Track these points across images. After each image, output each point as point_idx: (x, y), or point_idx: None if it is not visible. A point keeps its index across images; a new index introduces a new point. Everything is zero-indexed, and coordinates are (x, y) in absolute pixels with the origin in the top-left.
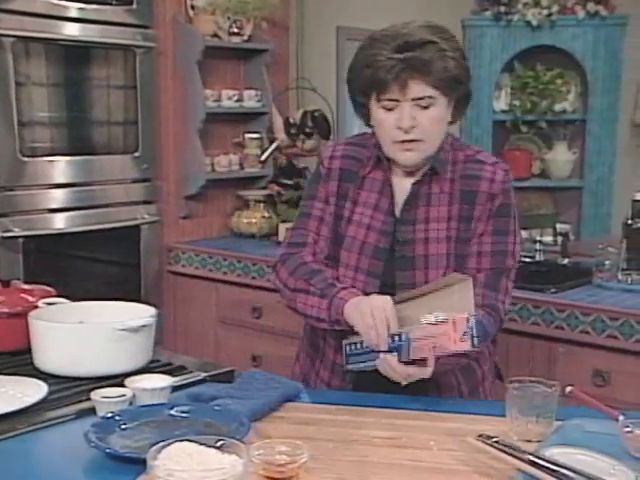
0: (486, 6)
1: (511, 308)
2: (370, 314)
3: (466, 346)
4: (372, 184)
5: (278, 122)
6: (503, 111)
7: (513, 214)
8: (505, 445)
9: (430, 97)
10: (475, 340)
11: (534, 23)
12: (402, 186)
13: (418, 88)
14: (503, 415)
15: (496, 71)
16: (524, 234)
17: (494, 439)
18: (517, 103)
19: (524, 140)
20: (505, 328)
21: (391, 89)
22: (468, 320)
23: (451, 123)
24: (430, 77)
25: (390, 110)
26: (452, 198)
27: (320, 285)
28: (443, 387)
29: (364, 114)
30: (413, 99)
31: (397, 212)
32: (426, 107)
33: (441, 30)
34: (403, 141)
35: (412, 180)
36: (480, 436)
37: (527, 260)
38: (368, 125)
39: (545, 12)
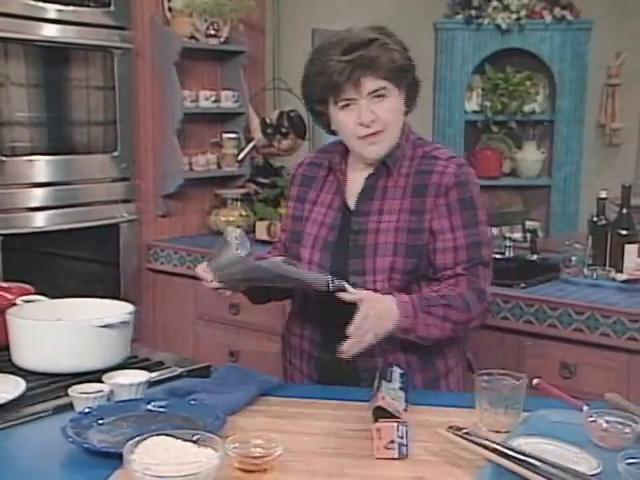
0: (457, 10)
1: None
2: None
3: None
4: (330, 186)
5: (255, 122)
6: (474, 112)
7: (478, 205)
8: (474, 436)
9: (383, 88)
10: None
11: (503, 27)
12: (359, 181)
13: (371, 83)
14: (472, 407)
15: (467, 73)
16: (494, 231)
17: (464, 430)
18: (488, 104)
19: (495, 140)
20: None
21: (346, 90)
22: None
23: (406, 113)
24: (379, 71)
25: (349, 110)
26: (405, 192)
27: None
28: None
29: (324, 122)
30: (368, 94)
31: (352, 205)
32: (381, 99)
33: (381, 28)
34: (366, 136)
35: (366, 175)
36: (450, 427)
37: (497, 257)
38: (330, 132)
39: (514, 16)
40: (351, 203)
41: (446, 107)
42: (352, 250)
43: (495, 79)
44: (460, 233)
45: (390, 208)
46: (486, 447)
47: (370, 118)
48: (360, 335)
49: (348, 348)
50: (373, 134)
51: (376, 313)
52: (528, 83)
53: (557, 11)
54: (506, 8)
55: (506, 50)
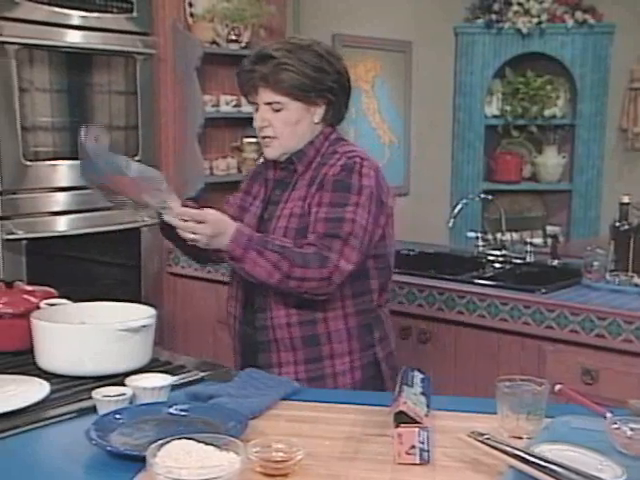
0: (478, 14)
1: (503, 308)
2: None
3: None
4: (263, 179)
5: None
6: (494, 116)
7: (354, 192)
8: (496, 442)
9: (278, 103)
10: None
11: (524, 31)
12: (277, 173)
13: (266, 95)
14: (493, 412)
15: (488, 77)
16: (515, 236)
17: (485, 436)
18: (508, 108)
19: (515, 144)
20: (496, 327)
21: (249, 94)
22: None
23: (331, 124)
24: (270, 87)
25: (257, 111)
26: (306, 182)
27: None
28: (281, 347)
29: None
30: (265, 103)
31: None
32: (278, 110)
33: (296, 46)
34: (262, 137)
35: (279, 167)
36: (472, 433)
37: (518, 261)
38: None
39: (535, 20)
40: (270, 192)
41: (466, 111)
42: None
43: (515, 83)
44: (323, 209)
45: (293, 197)
46: (508, 453)
47: (261, 124)
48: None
49: (168, 219)
50: (267, 137)
51: (211, 232)
52: (549, 87)
53: (579, 15)
54: (527, 12)
55: (527, 54)
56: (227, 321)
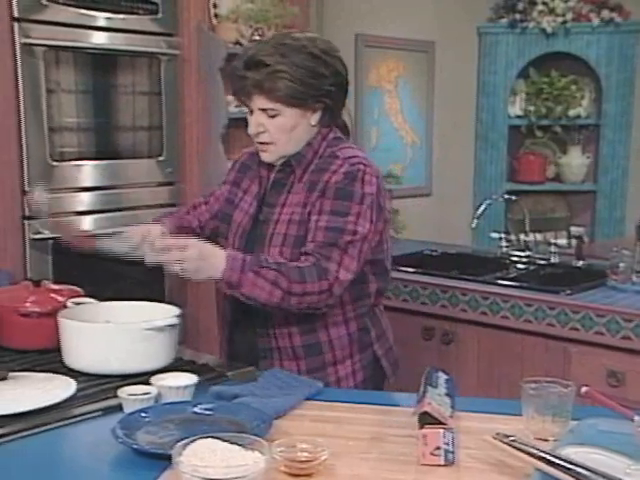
0: (502, 14)
1: (527, 309)
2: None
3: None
4: (257, 176)
5: None
6: (518, 116)
7: (356, 200)
8: (522, 444)
9: (272, 109)
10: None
11: (549, 30)
12: (274, 175)
13: (260, 101)
14: (518, 414)
15: (511, 77)
16: (538, 237)
17: (511, 438)
18: (532, 108)
19: (539, 145)
20: (520, 328)
21: (243, 98)
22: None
23: (328, 127)
24: (265, 94)
25: (251, 114)
26: (304, 187)
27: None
28: (284, 355)
29: None
30: (259, 109)
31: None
32: (273, 116)
33: (289, 48)
34: (259, 142)
35: (276, 169)
36: (497, 435)
37: (542, 262)
38: None
39: (560, 20)
40: (266, 194)
41: (489, 112)
42: (258, 238)
43: (539, 83)
44: (324, 217)
45: (291, 201)
46: (534, 455)
47: (256, 130)
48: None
49: (151, 259)
50: (263, 143)
51: (198, 254)
52: (573, 87)
53: (605, 13)
54: (552, 11)
55: (551, 54)
56: (220, 324)
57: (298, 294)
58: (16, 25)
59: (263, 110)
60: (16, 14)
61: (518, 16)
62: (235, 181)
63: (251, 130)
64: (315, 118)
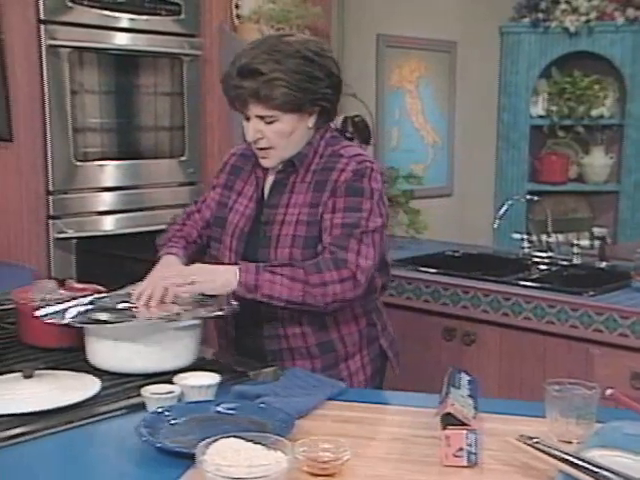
0: (524, 13)
1: (549, 311)
2: (152, 282)
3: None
4: (253, 178)
5: None
6: (540, 116)
7: (367, 196)
8: (546, 446)
9: (270, 116)
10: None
11: (572, 30)
12: (272, 175)
13: (257, 109)
14: (540, 416)
15: (533, 77)
16: (560, 238)
17: (534, 440)
18: (554, 108)
19: (561, 145)
20: (542, 330)
21: (239, 107)
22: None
23: (323, 126)
24: (262, 102)
25: (247, 122)
26: (309, 187)
27: (159, 242)
28: (297, 355)
29: None
30: (256, 116)
31: (266, 198)
32: (270, 122)
33: (283, 55)
34: (257, 148)
35: (277, 170)
36: (521, 436)
37: (564, 263)
38: None
39: (583, 19)
40: (267, 195)
41: (511, 112)
42: (261, 240)
43: (562, 83)
44: (339, 214)
45: (296, 202)
46: (558, 457)
47: (255, 137)
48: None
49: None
50: (262, 148)
51: (209, 269)
52: (596, 87)
53: (630, 12)
54: (575, 10)
55: (574, 53)
56: (217, 322)
57: (317, 284)
58: (42, 27)
59: (260, 117)
60: (42, 16)
61: (541, 15)
62: (226, 184)
63: (249, 137)
64: (312, 121)
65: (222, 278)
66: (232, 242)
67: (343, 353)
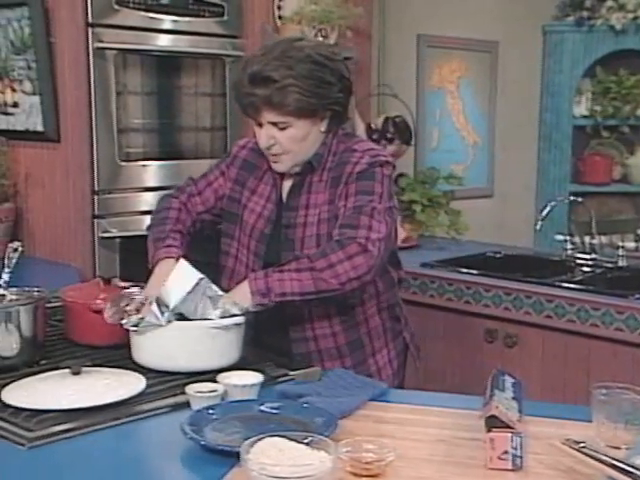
0: (568, 12)
1: (594, 313)
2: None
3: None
4: (269, 178)
5: (360, 128)
6: (583, 116)
7: (378, 180)
8: (593, 450)
9: (283, 122)
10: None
11: (618, 27)
12: (290, 177)
13: (269, 115)
14: (586, 420)
15: (577, 76)
16: (604, 239)
17: (581, 444)
18: (598, 108)
19: (605, 145)
20: (586, 333)
21: (251, 114)
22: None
23: (332, 130)
24: (275, 109)
25: (259, 128)
26: (326, 185)
27: (155, 235)
28: (325, 357)
29: None
30: (269, 122)
31: (285, 200)
32: (283, 128)
33: (294, 60)
34: (271, 154)
35: (296, 171)
36: (567, 440)
37: (609, 265)
38: None
39: (630, 16)
40: (285, 197)
41: (553, 112)
42: (284, 243)
43: (607, 82)
44: (351, 199)
45: (315, 202)
46: (606, 463)
47: (268, 144)
48: None
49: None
50: (274, 154)
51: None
52: None
53: None
54: (622, 8)
55: (619, 52)
56: None
57: (325, 268)
58: (90, 30)
59: (273, 124)
60: (90, 20)
61: (585, 13)
62: (237, 179)
63: (262, 143)
64: (324, 125)
65: (239, 294)
66: (251, 243)
67: (370, 349)
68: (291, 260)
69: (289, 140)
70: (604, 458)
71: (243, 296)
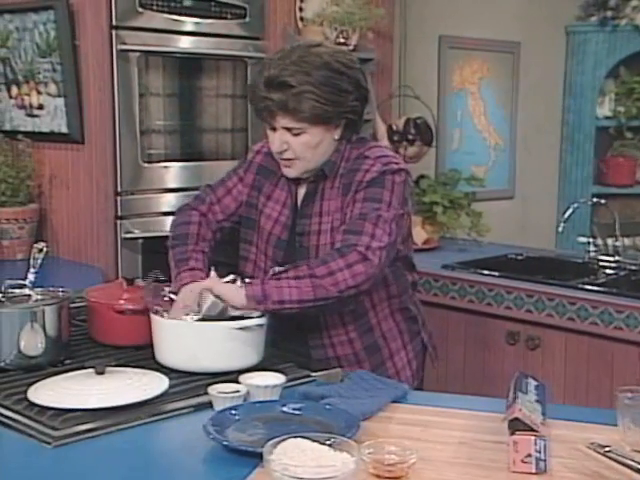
0: (591, 12)
1: (618, 316)
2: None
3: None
4: (284, 184)
5: (382, 129)
6: (606, 117)
7: (390, 188)
8: (619, 455)
9: (298, 128)
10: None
11: None
12: (304, 184)
13: (284, 121)
14: (610, 423)
15: (600, 77)
16: (627, 241)
17: (606, 448)
18: (622, 109)
19: (628, 146)
20: (610, 336)
21: (265, 117)
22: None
23: (346, 138)
24: (290, 115)
25: (273, 132)
26: (338, 192)
27: (177, 256)
28: (344, 362)
29: None
30: (283, 127)
31: (299, 207)
32: (297, 134)
33: (311, 67)
34: (282, 159)
35: (309, 180)
36: (592, 444)
37: (633, 267)
38: None
39: None
40: (299, 204)
41: (576, 113)
42: (299, 250)
43: (631, 83)
44: (358, 205)
45: (328, 209)
46: (632, 468)
47: (281, 149)
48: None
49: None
50: (286, 159)
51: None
52: None
53: None
54: None
55: None
56: None
57: (325, 275)
58: (114, 33)
59: (287, 129)
60: (114, 22)
61: (609, 13)
62: (254, 184)
63: (275, 148)
64: (338, 132)
65: (230, 294)
66: (268, 249)
67: (387, 351)
68: (288, 268)
69: (302, 146)
70: (631, 463)
71: (234, 297)
